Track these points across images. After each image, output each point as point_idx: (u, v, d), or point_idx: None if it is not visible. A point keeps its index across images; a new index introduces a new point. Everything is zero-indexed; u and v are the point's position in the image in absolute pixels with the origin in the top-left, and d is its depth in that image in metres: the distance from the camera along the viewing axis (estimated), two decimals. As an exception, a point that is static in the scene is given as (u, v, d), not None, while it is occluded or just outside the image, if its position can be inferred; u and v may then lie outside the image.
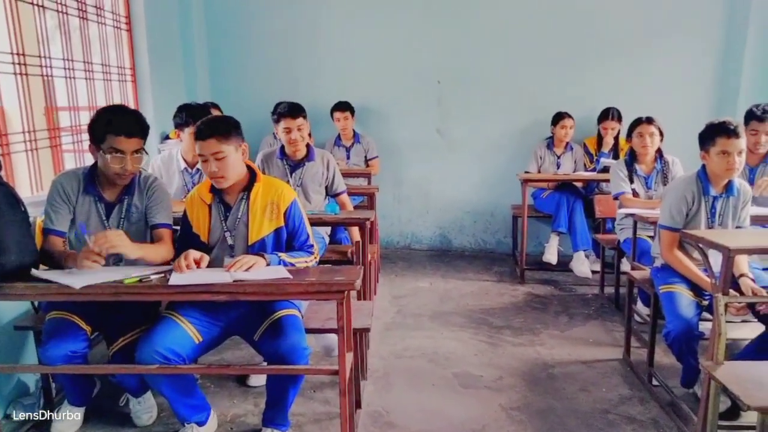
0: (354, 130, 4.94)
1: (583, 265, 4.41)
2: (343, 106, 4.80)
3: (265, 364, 2.24)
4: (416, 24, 5.06)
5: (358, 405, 2.61)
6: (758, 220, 3.01)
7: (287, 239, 2.36)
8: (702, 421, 2.31)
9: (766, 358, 2.33)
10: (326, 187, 3.36)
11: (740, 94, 4.65)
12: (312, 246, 2.39)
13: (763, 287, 2.55)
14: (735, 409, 2.54)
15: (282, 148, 3.29)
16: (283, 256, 2.23)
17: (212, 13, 5.14)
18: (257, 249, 2.27)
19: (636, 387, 2.91)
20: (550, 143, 4.79)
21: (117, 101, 3.92)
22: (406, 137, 5.29)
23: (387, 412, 2.66)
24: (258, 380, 2.79)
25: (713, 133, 2.64)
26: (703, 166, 2.75)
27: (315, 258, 2.37)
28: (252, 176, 2.34)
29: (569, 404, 2.74)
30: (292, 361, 2.11)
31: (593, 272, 4.44)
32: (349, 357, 2.19)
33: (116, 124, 2.20)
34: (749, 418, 2.46)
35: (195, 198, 2.37)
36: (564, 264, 4.57)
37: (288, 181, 3.22)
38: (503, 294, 4.31)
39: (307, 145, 3.31)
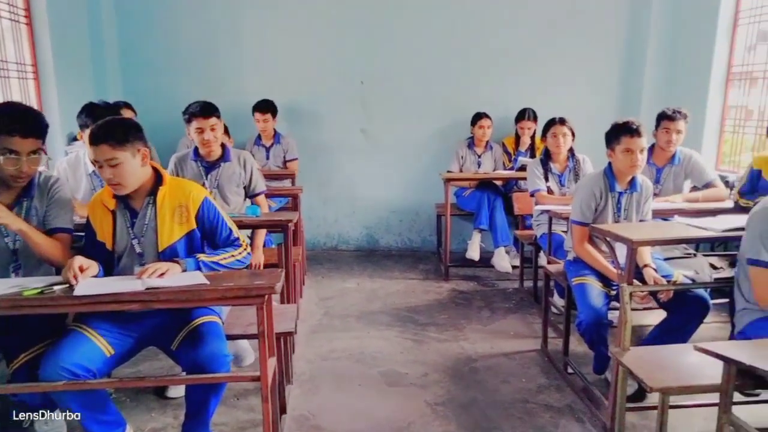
0: (276, 131, 4.85)
1: (504, 260, 4.56)
2: (263, 107, 4.69)
3: (185, 374, 2.16)
4: (339, 24, 5.05)
5: (283, 410, 2.57)
6: (659, 214, 3.23)
7: (209, 239, 2.28)
8: (612, 404, 2.45)
9: (668, 342, 2.50)
10: (245, 188, 3.27)
11: (643, 95, 4.97)
12: (238, 239, 2.31)
13: (665, 276, 2.74)
14: (641, 391, 2.71)
15: (196, 149, 3.18)
16: (203, 256, 2.15)
17: (124, 6, 4.90)
18: (168, 255, 2.18)
19: (553, 376, 3.04)
20: (471, 143, 4.92)
21: (16, 100, 3.65)
22: (331, 138, 5.27)
23: (313, 416, 2.63)
24: (177, 391, 2.69)
25: (618, 133, 2.80)
26: (609, 164, 2.91)
27: (245, 249, 2.29)
28: (158, 179, 2.23)
29: (491, 396, 2.83)
30: (212, 369, 2.04)
31: (514, 267, 4.60)
32: (272, 362, 2.15)
33: (9, 124, 2.05)
34: (654, 399, 2.62)
35: (97, 204, 2.23)
36: (486, 260, 4.71)
37: (203, 183, 3.11)
38: (428, 291, 4.38)
39: (223, 145, 3.21)
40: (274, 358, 2.20)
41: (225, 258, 2.19)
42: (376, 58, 5.11)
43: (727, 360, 1.69)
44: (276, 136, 4.83)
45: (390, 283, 4.56)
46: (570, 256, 3.06)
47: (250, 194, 3.33)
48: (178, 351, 2.15)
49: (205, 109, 3.07)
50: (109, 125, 2.10)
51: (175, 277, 2.01)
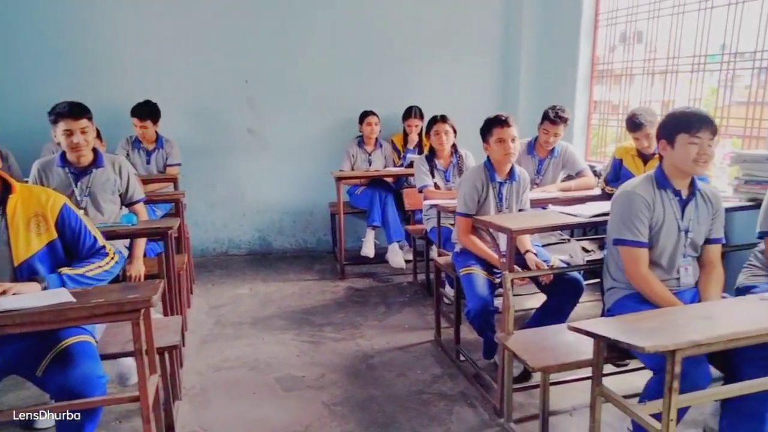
0: (158, 134, 4.55)
1: (398, 255, 4.63)
2: (142, 114, 4.33)
3: (54, 401, 1.96)
4: (222, 20, 4.86)
5: (171, 428, 2.43)
6: (537, 203, 3.43)
7: (71, 250, 2.09)
8: (500, 386, 2.57)
9: (549, 323, 2.65)
10: (121, 196, 3.04)
11: (520, 92, 5.27)
12: (104, 247, 2.13)
13: (544, 261, 2.91)
14: (527, 372, 2.86)
15: (63, 154, 2.90)
16: (67, 270, 1.96)
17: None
18: (27, 271, 1.97)
19: (446, 365, 3.13)
20: (360, 141, 4.95)
21: None
22: (216, 139, 5.07)
23: (204, 430, 2.51)
24: (47, 421, 2.44)
25: (490, 126, 2.96)
26: (488, 157, 3.04)
27: (112, 259, 2.12)
28: (5, 188, 2.01)
29: (388, 391, 2.85)
30: (85, 393, 1.86)
31: (407, 261, 4.68)
32: (153, 380, 2.01)
33: None
34: (538, 378, 2.78)
35: None
36: (381, 256, 4.76)
37: (72, 192, 2.85)
38: (325, 291, 4.34)
39: (95, 150, 2.96)
40: (156, 375, 2.05)
41: (91, 270, 2.02)
42: (262, 56, 4.97)
43: (594, 336, 1.81)
44: (159, 140, 4.53)
45: (285, 286, 4.47)
46: (457, 248, 3.16)
47: (127, 202, 3.10)
48: (45, 377, 1.94)
49: (75, 109, 2.79)
50: None
51: (35, 296, 1.82)
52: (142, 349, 1.85)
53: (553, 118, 3.76)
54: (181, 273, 3.30)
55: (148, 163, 4.46)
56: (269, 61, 4.99)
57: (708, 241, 2.32)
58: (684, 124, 2.17)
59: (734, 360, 2.03)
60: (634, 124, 3.43)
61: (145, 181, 3.88)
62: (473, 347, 3.20)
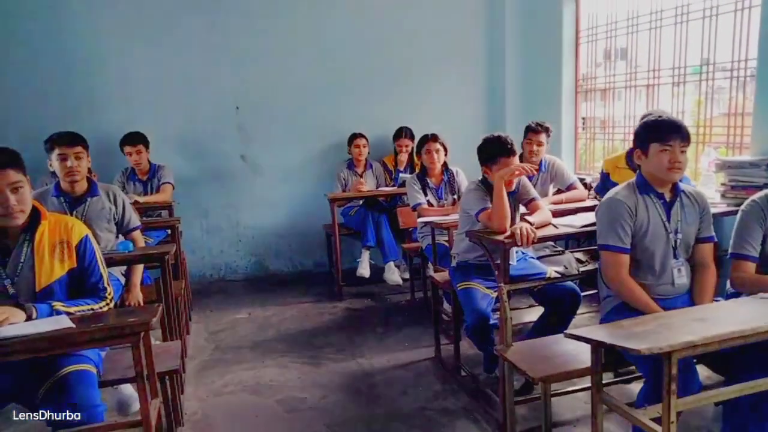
0: (151, 162, 4.59)
1: (394, 274, 4.65)
2: (133, 140, 4.41)
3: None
4: (210, 49, 4.92)
5: (174, 455, 2.41)
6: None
7: (77, 281, 2.12)
8: (502, 399, 2.57)
9: (549, 334, 2.67)
10: (117, 224, 3.06)
11: (506, 109, 5.36)
12: (105, 290, 2.16)
13: (538, 274, 2.93)
14: (528, 384, 2.87)
15: (57, 184, 2.93)
16: (59, 306, 1.97)
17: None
18: (46, 296, 2.01)
19: (448, 381, 3.13)
20: (350, 164, 5.01)
21: None
22: (209, 166, 5.10)
23: (207, 456, 2.49)
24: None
25: (494, 154, 2.89)
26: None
27: (107, 304, 2.14)
28: (36, 214, 2.07)
29: (391, 409, 2.85)
30: (81, 423, 1.86)
31: (404, 280, 4.70)
32: (155, 404, 2.01)
33: None
34: (540, 390, 2.79)
35: None
36: (378, 276, 4.77)
37: (67, 222, 2.87)
38: (323, 313, 4.34)
39: (89, 179, 2.99)
40: (158, 400, 2.06)
41: (83, 311, 2.03)
42: (251, 83, 5.04)
43: (591, 342, 1.84)
44: (152, 168, 4.56)
45: (283, 309, 4.46)
46: (454, 263, 3.17)
47: (123, 231, 3.12)
48: (42, 406, 1.94)
49: (71, 137, 2.87)
50: (7, 150, 1.98)
51: (34, 322, 1.83)
52: (143, 373, 1.86)
53: (534, 126, 3.87)
54: (178, 298, 3.30)
55: (144, 192, 4.48)
56: (259, 87, 5.06)
57: (699, 240, 2.35)
58: (655, 133, 2.23)
59: (733, 362, 2.06)
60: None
61: (140, 210, 3.92)
62: (474, 362, 3.21)
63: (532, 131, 3.90)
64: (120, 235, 3.11)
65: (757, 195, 2.36)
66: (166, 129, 4.89)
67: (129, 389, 2.79)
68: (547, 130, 3.91)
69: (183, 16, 4.84)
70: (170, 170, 4.58)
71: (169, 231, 3.89)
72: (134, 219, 3.13)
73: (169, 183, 4.49)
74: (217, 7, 4.90)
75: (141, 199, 4.17)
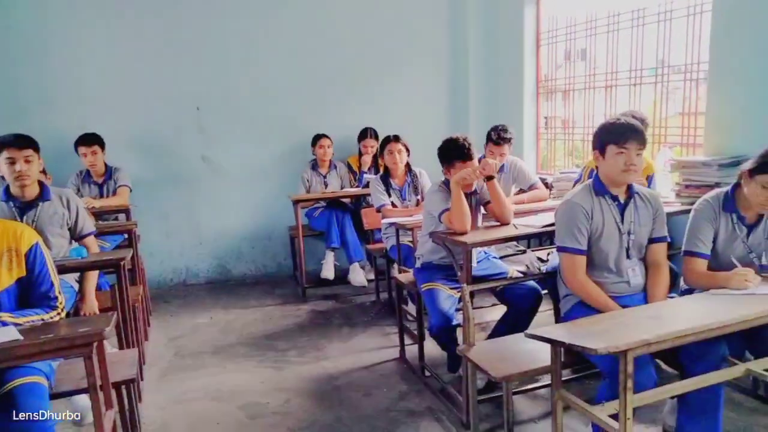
0: (107, 165, 4.45)
1: (359, 275, 4.64)
2: (88, 140, 4.27)
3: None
4: (169, 48, 4.81)
5: (131, 466, 2.34)
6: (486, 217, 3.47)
7: (27, 290, 2.03)
8: (465, 399, 2.59)
9: (512, 333, 2.70)
10: (70, 230, 2.96)
11: (470, 109, 5.38)
12: (56, 299, 2.07)
13: (499, 274, 2.96)
14: (491, 383, 2.89)
15: (6, 188, 2.81)
16: (7, 317, 1.89)
17: None
18: None
19: (412, 381, 3.13)
20: (314, 164, 4.97)
21: None
22: (169, 168, 4.99)
23: (166, 466, 2.43)
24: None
25: (450, 157, 2.91)
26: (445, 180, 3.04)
27: (59, 313, 2.05)
28: None
29: (355, 411, 2.83)
30: (30, 439, 1.79)
31: (369, 281, 4.69)
32: (110, 415, 1.95)
33: None
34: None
35: None
36: (343, 277, 4.75)
37: (18, 227, 2.76)
38: (287, 316, 4.30)
39: (41, 183, 2.87)
40: (113, 411, 2.00)
41: (33, 321, 1.94)
42: (212, 83, 4.95)
43: (550, 342, 1.86)
44: (108, 171, 4.43)
45: (246, 313, 4.40)
46: (418, 264, 3.18)
47: (76, 236, 3.01)
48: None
49: (20, 139, 2.74)
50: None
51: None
52: (97, 384, 1.80)
53: (495, 140, 3.84)
54: (136, 305, 3.21)
55: (100, 195, 4.35)
56: (220, 87, 4.97)
57: (652, 240, 2.41)
58: (612, 136, 2.27)
59: (686, 357, 2.12)
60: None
61: (96, 214, 3.80)
62: (438, 362, 3.21)
63: (494, 143, 3.85)
64: (73, 241, 3.00)
65: (709, 194, 2.44)
66: (123, 129, 4.77)
67: (84, 400, 2.70)
68: (509, 141, 3.90)
69: (141, 13, 4.72)
70: (127, 172, 4.45)
71: (126, 235, 3.78)
72: (88, 224, 3.02)
73: (125, 186, 4.37)
74: (176, 4, 4.79)
75: (97, 203, 4.05)
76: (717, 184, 2.98)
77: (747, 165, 2.29)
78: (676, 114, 4.08)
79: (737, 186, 2.36)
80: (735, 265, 2.27)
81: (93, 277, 2.90)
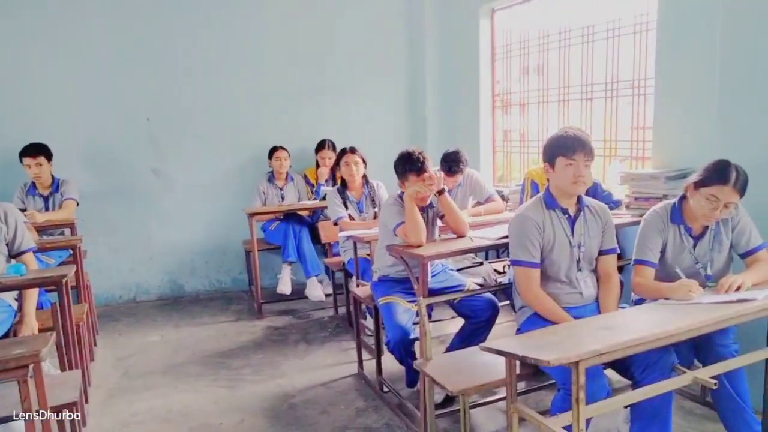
0: (54, 177, 4.27)
1: (317, 289, 4.56)
2: (33, 151, 4.09)
3: None
4: (119, 57, 4.68)
5: (71, 497, 2.21)
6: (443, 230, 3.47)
7: None
8: (423, 413, 2.55)
9: (469, 345, 2.69)
10: (7, 245, 2.79)
11: (428, 122, 5.41)
12: None
13: (456, 287, 2.96)
14: (449, 397, 2.87)
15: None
16: None
17: None
18: None
19: (370, 397, 3.09)
20: (271, 177, 4.89)
21: None
22: (116, 181, 4.82)
23: (110, 495, 2.31)
24: None
25: (405, 171, 2.90)
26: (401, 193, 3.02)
27: None
28: None
29: (311, 430, 2.77)
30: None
31: (327, 295, 4.62)
32: (45, 444, 1.83)
33: None
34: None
35: None
36: (300, 292, 4.66)
37: (-51, 244, 2.60)
38: (242, 333, 4.18)
39: (-25, 198, 2.72)
40: (50, 439, 1.87)
41: None
42: (163, 93, 4.82)
43: (505, 354, 1.85)
44: (55, 183, 4.24)
45: (199, 330, 4.26)
46: (375, 277, 3.15)
47: (14, 253, 2.84)
48: None
49: None
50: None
51: None
52: (32, 410, 1.69)
53: (448, 170, 3.79)
54: (81, 323, 3.06)
55: (46, 209, 4.16)
56: (172, 97, 4.86)
57: (601, 252, 2.46)
58: (561, 148, 2.31)
59: (637, 367, 2.15)
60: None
61: (39, 228, 3.63)
62: (396, 377, 3.18)
63: (448, 173, 3.78)
64: (11, 258, 2.84)
65: (658, 206, 2.51)
66: (70, 140, 4.59)
67: (21, 426, 2.54)
68: (462, 170, 3.86)
69: (88, 19, 4.59)
70: (75, 185, 4.28)
71: (71, 251, 3.61)
72: (27, 240, 2.86)
73: (72, 199, 4.19)
74: (126, 13, 4.67)
75: (40, 218, 3.87)
76: (665, 196, 3.06)
77: (692, 178, 2.36)
78: (626, 128, 4.20)
79: (683, 198, 2.43)
80: (680, 277, 2.32)
81: (32, 295, 2.75)
